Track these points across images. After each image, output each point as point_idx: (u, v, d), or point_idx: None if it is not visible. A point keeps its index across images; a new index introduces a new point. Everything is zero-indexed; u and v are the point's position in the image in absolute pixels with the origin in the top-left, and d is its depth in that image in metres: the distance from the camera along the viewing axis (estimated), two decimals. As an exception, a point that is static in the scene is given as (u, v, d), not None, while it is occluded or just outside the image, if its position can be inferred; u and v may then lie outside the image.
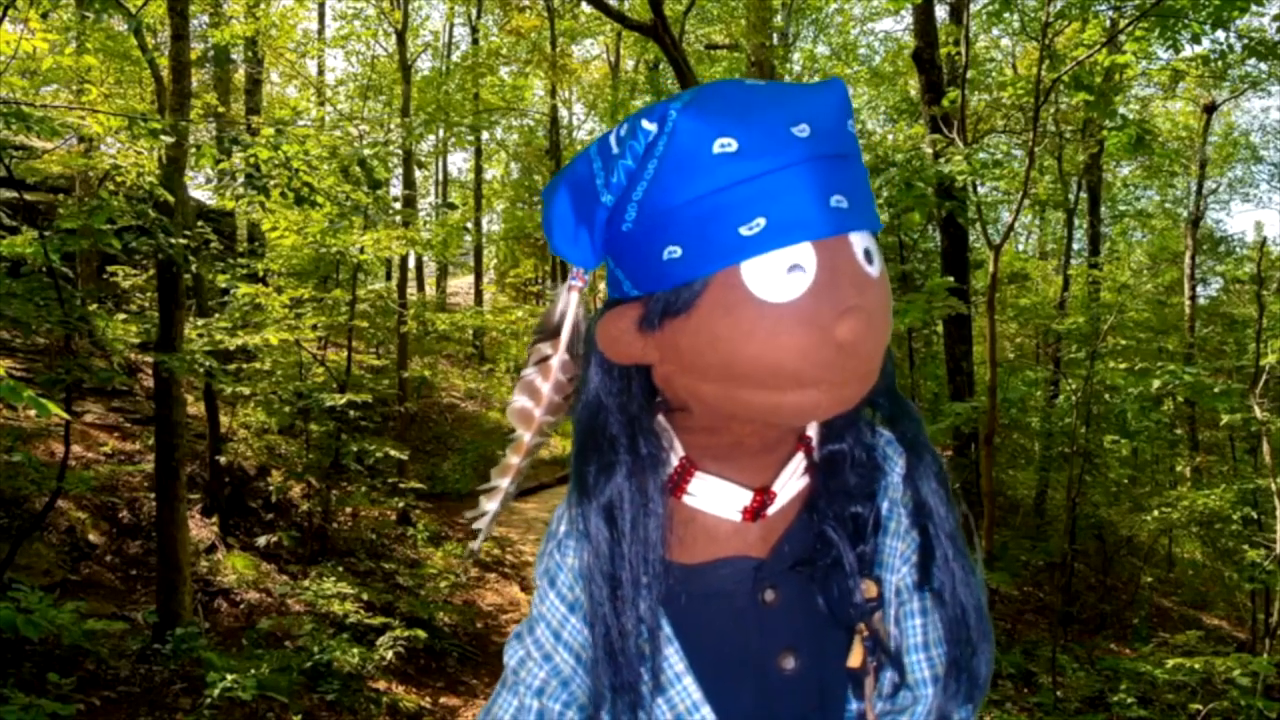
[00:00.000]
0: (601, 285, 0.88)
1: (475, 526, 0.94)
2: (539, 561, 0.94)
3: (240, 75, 13.91)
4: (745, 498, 0.83)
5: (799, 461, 0.85)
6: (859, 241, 0.74)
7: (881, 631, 0.85)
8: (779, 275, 0.71)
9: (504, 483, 0.92)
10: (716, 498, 0.84)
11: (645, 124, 0.74)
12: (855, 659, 0.83)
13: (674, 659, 0.84)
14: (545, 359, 0.88)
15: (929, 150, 6.88)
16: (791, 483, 0.85)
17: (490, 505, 0.93)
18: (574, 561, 0.90)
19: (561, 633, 0.91)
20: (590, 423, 0.84)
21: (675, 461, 0.85)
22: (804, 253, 0.71)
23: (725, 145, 0.71)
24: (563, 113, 21.56)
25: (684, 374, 0.77)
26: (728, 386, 0.75)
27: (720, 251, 0.72)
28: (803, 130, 0.72)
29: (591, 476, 0.83)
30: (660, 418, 0.86)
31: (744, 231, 0.71)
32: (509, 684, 0.96)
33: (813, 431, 0.87)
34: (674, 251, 0.74)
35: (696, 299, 0.74)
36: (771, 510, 0.85)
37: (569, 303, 0.86)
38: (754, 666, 0.84)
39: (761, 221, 0.70)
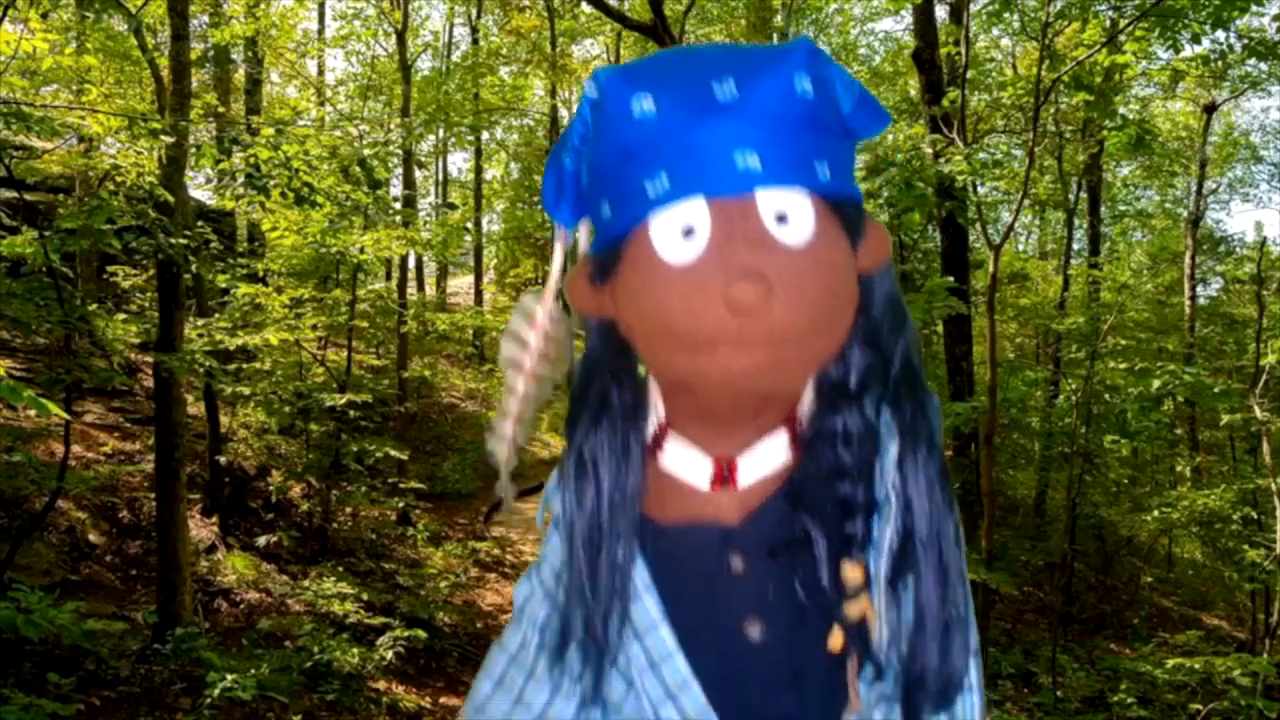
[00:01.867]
0: None
1: (498, 481, 0.96)
2: (540, 507, 0.98)
3: (240, 75, 13.91)
4: (708, 466, 0.83)
5: (779, 436, 0.83)
6: (770, 201, 0.71)
7: (869, 617, 0.80)
8: (675, 236, 0.72)
9: (505, 426, 0.93)
10: (686, 463, 0.84)
11: (588, 87, 0.76)
12: (835, 643, 0.80)
13: (651, 608, 0.85)
14: (531, 311, 0.90)
15: (929, 150, 6.88)
16: (765, 457, 0.83)
17: (500, 450, 0.94)
18: (558, 508, 0.93)
19: (562, 573, 0.94)
20: (583, 376, 0.88)
21: (655, 422, 0.87)
22: (698, 213, 0.71)
23: (644, 103, 0.72)
24: (563, 113, 21.55)
25: (625, 330, 0.80)
26: (649, 344, 0.77)
27: (632, 209, 0.74)
28: (726, 88, 0.70)
29: (579, 427, 0.86)
30: (650, 378, 0.88)
31: (649, 188, 0.72)
32: (516, 619, 1.00)
33: (805, 407, 0.83)
34: (606, 210, 0.77)
35: (620, 256, 0.76)
36: (743, 481, 0.83)
37: (555, 258, 0.89)
38: (720, 631, 0.84)
39: (664, 178, 0.71)
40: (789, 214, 0.71)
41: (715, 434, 0.83)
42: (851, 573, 0.80)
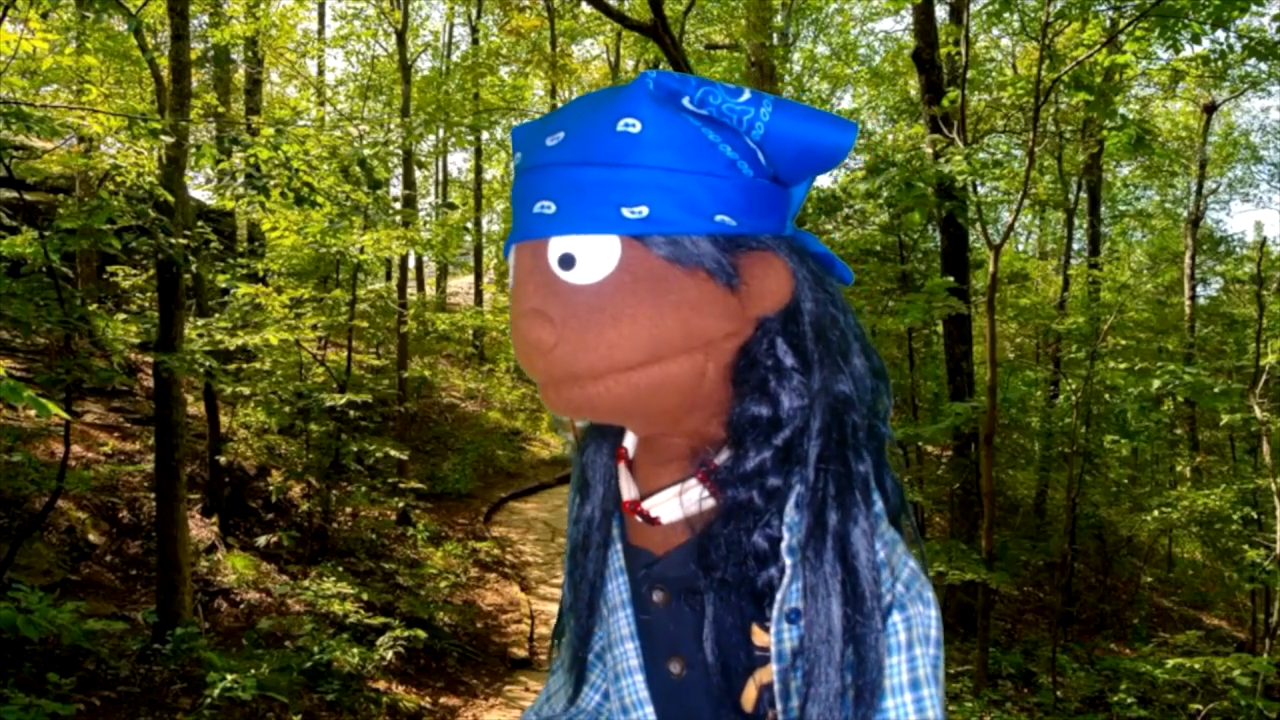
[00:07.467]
0: None
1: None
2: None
3: (240, 75, 13.91)
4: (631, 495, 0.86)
5: (689, 486, 0.80)
6: (559, 246, 0.74)
7: (777, 685, 0.74)
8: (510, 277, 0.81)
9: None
10: (626, 493, 0.87)
11: None
12: (748, 702, 0.78)
13: (624, 622, 0.87)
14: None
15: (929, 150, 6.89)
16: (676, 503, 0.81)
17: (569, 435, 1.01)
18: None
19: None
20: None
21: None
22: (514, 256, 0.79)
23: (517, 157, 0.81)
24: (563, 113, 21.54)
25: None
26: None
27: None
28: (555, 138, 0.76)
29: (587, 443, 0.92)
30: None
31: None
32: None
33: (723, 459, 0.79)
34: None
35: None
36: (665, 518, 0.81)
37: None
38: (652, 659, 0.85)
39: (513, 226, 0.80)
40: (576, 256, 0.73)
41: (651, 471, 0.85)
42: (757, 636, 0.76)
